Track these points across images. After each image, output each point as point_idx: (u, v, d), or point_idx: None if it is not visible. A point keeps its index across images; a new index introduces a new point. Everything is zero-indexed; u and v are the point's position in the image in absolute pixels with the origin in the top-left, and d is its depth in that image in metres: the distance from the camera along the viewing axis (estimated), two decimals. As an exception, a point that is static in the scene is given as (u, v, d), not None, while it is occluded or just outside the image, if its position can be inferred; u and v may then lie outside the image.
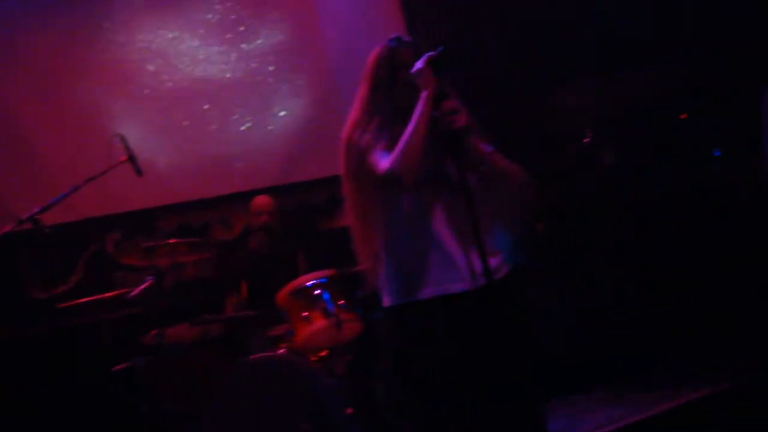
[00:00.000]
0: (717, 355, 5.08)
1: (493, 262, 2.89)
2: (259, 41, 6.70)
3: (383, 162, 2.83)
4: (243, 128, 6.57)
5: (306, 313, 4.74)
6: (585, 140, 5.46)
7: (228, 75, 6.61)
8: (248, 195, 5.77)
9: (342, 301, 4.77)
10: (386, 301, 3.01)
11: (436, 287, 2.90)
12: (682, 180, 5.50)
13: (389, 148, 2.85)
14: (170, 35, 6.53)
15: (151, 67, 6.45)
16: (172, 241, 4.98)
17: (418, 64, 2.87)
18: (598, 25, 6.07)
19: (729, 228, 5.35)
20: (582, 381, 5.18)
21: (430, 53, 2.87)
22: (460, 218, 2.87)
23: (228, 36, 6.65)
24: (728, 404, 4.36)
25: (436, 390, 2.90)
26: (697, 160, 5.61)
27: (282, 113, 6.67)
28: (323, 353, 4.86)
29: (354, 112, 3.05)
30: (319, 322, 4.71)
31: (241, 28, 6.68)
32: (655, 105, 5.63)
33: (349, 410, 4.49)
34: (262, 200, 5.61)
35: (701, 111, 5.61)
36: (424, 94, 2.85)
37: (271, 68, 6.70)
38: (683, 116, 5.60)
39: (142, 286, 4.76)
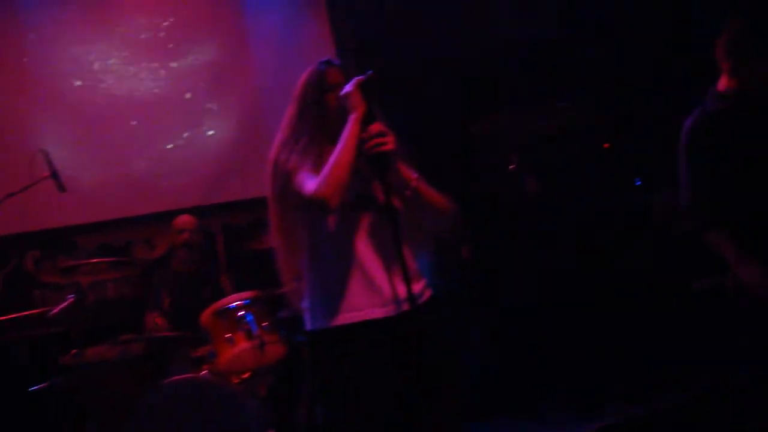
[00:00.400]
0: (629, 384, 5.18)
1: (416, 287, 2.91)
2: (188, 59, 6.67)
3: (309, 184, 2.80)
4: (169, 146, 6.52)
5: (229, 335, 4.70)
6: (510, 167, 5.54)
7: (156, 92, 6.57)
8: (172, 214, 5.70)
9: (266, 323, 4.76)
10: (309, 325, 2.99)
11: (358, 312, 2.89)
12: (604, 208, 5.61)
13: (316, 170, 2.83)
14: (98, 51, 6.46)
15: (77, 83, 6.37)
16: (93, 260, 4.90)
17: (347, 87, 2.88)
18: (524, 56, 6.18)
19: (648, 255, 5.47)
20: (493, 407, 5.23)
21: (359, 77, 2.89)
22: (385, 242, 2.89)
23: (157, 53, 6.61)
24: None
25: (356, 416, 2.87)
26: (619, 188, 5.72)
27: (210, 132, 6.64)
28: (246, 375, 4.83)
29: (282, 133, 3.03)
30: (243, 344, 4.68)
31: (170, 46, 6.65)
32: (579, 134, 5.74)
33: (271, 433, 4.48)
34: (184, 218, 5.57)
35: (624, 140, 5.73)
36: (352, 117, 2.86)
37: (198, 87, 6.67)
38: (606, 145, 5.72)
39: (63, 305, 4.68)
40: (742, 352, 3.59)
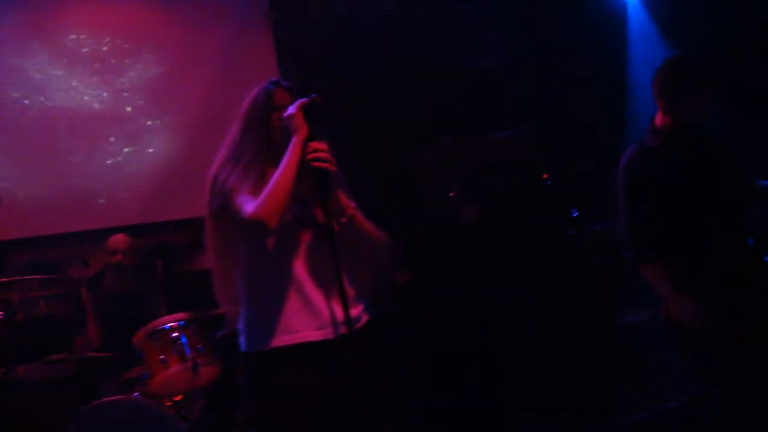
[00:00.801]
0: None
1: (354, 311, 2.91)
2: (130, 75, 6.59)
3: (248, 206, 2.77)
4: (109, 162, 6.42)
5: (162, 356, 4.65)
6: (450, 195, 5.57)
7: (96, 107, 6.47)
8: (109, 232, 5.64)
9: (200, 345, 4.72)
10: (244, 347, 2.96)
11: (294, 334, 2.87)
12: (541, 239, 5.66)
13: (255, 192, 2.81)
14: (39, 63, 6.34)
15: (15, 94, 6.25)
16: (26, 277, 4.80)
17: (291, 109, 2.88)
18: (468, 85, 6.23)
19: (584, 287, 5.52)
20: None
21: (303, 99, 2.89)
22: (323, 266, 2.88)
23: (98, 67, 6.51)
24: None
25: None
26: (556, 219, 5.78)
27: (149, 150, 6.56)
28: (178, 398, 4.77)
29: (223, 152, 3.01)
30: (176, 366, 4.64)
31: (113, 61, 6.57)
32: (520, 164, 5.79)
33: (202, 457, 4.42)
34: (117, 238, 5.50)
35: (562, 172, 5.80)
36: (294, 140, 2.85)
37: (140, 103, 6.59)
38: (545, 176, 5.78)
39: (-8, 321, 4.58)
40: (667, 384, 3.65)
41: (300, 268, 2.92)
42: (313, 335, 2.87)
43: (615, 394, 5.09)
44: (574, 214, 5.74)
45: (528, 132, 5.67)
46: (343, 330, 2.85)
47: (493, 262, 5.58)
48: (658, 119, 3.53)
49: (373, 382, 2.91)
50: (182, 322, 4.75)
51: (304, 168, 2.83)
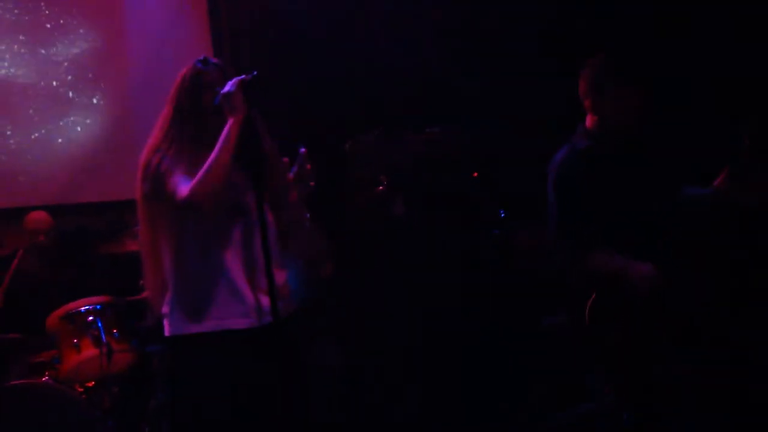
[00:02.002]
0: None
1: (281, 300, 2.87)
2: (58, 47, 6.35)
3: (182, 188, 2.76)
4: (34, 136, 6.19)
5: (76, 340, 4.56)
6: (378, 188, 5.54)
7: (20, 80, 6.22)
8: (25, 211, 5.45)
9: (116, 330, 4.61)
10: (167, 331, 2.93)
11: (219, 321, 2.85)
12: (468, 238, 5.66)
13: (189, 173, 2.78)
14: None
15: None
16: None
17: (229, 87, 2.80)
18: (402, 79, 6.20)
19: (508, 288, 5.54)
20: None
21: (244, 77, 2.81)
22: (253, 253, 2.87)
23: (23, 37, 6.25)
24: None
25: (205, 428, 2.83)
26: (484, 219, 5.79)
27: (76, 128, 6.34)
28: (90, 384, 4.66)
29: (155, 134, 2.96)
30: (89, 351, 4.55)
31: (43, 32, 6.32)
32: (450, 161, 5.79)
33: (111, 447, 4.32)
34: (39, 216, 5.32)
35: (493, 171, 5.81)
36: (232, 119, 2.79)
37: (69, 78, 6.37)
38: (475, 174, 5.77)
39: None
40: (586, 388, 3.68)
41: (229, 255, 2.89)
42: (238, 323, 2.86)
43: (535, 396, 5.13)
44: (502, 215, 5.74)
45: (460, 129, 5.66)
46: (268, 319, 2.84)
47: (418, 258, 5.57)
48: (588, 120, 3.54)
49: (294, 372, 2.89)
50: (99, 306, 4.66)
51: (239, 151, 2.79)
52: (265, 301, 2.82)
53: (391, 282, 5.56)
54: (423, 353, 5.42)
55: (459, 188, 5.68)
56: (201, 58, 3.03)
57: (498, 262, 5.60)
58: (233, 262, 2.88)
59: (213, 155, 2.75)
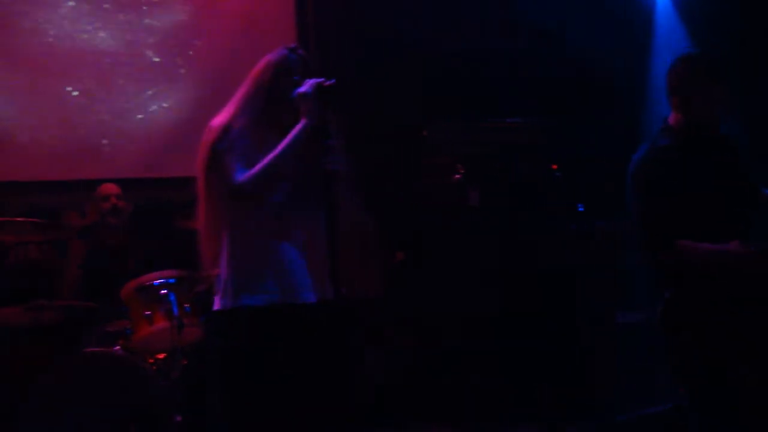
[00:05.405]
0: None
1: (327, 287, 2.89)
2: (156, 22, 6.38)
3: (238, 175, 2.79)
4: (123, 107, 6.22)
5: (149, 312, 4.62)
6: (455, 177, 5.49)
7: (113, 49, 6.21)
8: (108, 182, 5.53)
9: (187, 305, 4.68)
10: (217, 305, 2.95)
11: (267, 295, 2.86)
12: (544, 231, 5.59)
13: (249, 156, 2.80)
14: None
15: (27, 23, 5.97)
16: (18, 219, 4.74)
17: (306, 88, 2.82)
18: (489, 67, 6.15)
19: (581, 282, 5.46)
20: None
21: (323, 81, 2.83)
22: (310, 237, 2.91)
23: (118, 6, 6.27)
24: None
25: (253, 399, 2.84)
26: (562, 212, 5.71)
27: (164, 104, 6.39)
28: (160, 356, 4.72)
29: (225, 112, 2.97)
30: (161, 323, 4.61)
31: (145, 8, 6.37)
32: (529, 153, 5.72)
33: (178, 418, 4.37)
34: (108, 185, 5.41)
35: (571, 165, 5.73)
36: (303, 122, 2.80)
37: (159, 50, 6.39)
38: (554, 167, 5.70)
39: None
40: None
41: (284, 237, 2.92)
42: (285, 299, 2.88)
43: (604, 394, 5.06)
44: (580, 209, 5.65)
45: (541, 121, 5.59)
46: (317, 298, 2.89)
47: (493, 249, 5.52)
48: (672, 118, 3.47)
49: (338, 353, 2.95)
50: (173, 280, 4.70)
51: (307, 156, 2.80)
52: (314, 283, 2.89)
53: (463, 273, 5.52)
54: (496, 346, 5.38)
55: (537, 180, 5.61)
56: (290, 45, 3.04)
57: (575, 257, 5.52)
58: (288, 248, 2.91)
59: (276, 152, 2.79)
